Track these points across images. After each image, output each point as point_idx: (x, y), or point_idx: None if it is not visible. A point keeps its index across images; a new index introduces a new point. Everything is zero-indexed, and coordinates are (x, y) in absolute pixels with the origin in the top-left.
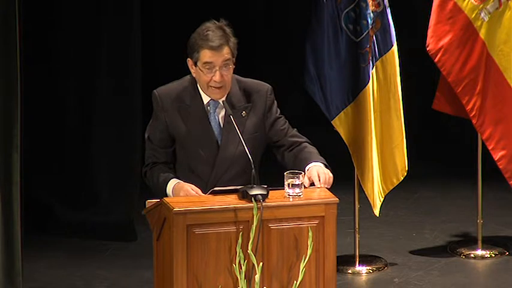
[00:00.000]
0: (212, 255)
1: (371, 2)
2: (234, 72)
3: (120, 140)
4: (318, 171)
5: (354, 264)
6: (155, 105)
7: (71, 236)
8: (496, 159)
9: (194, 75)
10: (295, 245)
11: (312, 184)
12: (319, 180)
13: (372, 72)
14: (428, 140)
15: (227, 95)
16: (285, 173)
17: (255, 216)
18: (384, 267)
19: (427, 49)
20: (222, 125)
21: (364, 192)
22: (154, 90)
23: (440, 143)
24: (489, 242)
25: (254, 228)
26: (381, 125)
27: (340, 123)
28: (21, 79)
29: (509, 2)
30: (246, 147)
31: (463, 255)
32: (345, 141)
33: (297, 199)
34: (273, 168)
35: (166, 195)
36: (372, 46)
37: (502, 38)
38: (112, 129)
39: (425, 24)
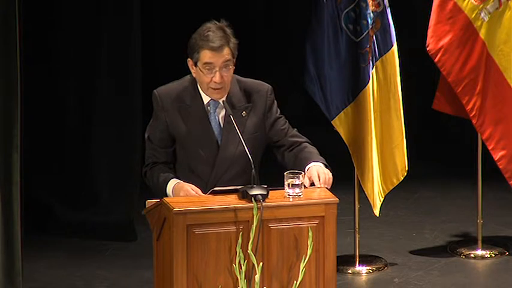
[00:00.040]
0: (212, 255)
1: (371, 2)
2: (234, 72)
3: (120, 140)
4: (318, 171)
5: (354, 264)
6: (155, 105)
7: (71, 236)
8: (496, 159)
9: (194, 75)
10: (295, 245)
11: (312, 184)
12: (319, 180)
13: (372, 72)
14: (428, 140)
15: (227, 95)
16: (285, 173)
17: (255, 216)
18: (384, 267)
19: (427, 49)
20: (222, 125)
21: (364, 192)
22: (155, 90)
23: (440, 143)
24: (489, 242)
25: (254, 228)
26: (381, 125)
27: (340, 123)
28: (21, 79)
29: (509, 2)
30: (246, 147)
31: (463, 255)
32: (345, 141)
33: (297, 199)
34: (273, 168)
35: (166, 195)
36: (372, 46)
37: (502, 38)
38: (112, 129)
39: (425, 24)
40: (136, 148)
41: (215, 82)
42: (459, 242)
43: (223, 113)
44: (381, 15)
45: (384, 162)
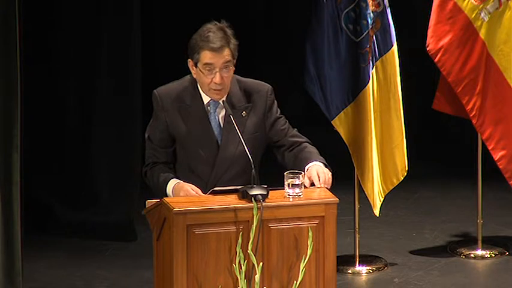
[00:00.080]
0: (212, 255)
1: (371, 2)
2: (234, 72)
3: (120, 140)
4: (318, 171)
5: (354, 264)
6: (155, 105)
7: (71, 236)
8: (496, 159)
9: (195, 76)
10: (295, 245)
11: (312, 184)
12: (319, 180)
13: (372, 72)
14: (428, 140)
15: (227, 95)
16: (285, 173)
17: (255, 216)
18: (384, 267)
19: (427, 49)
20: (222, 125)
21: (364, 192)
22: (155, 90)
23: (440, 143)
24: (489, 242)
25: (254, 228)
26: (381, 125)
27: (340, 123)
28: (21, 79)
29: (509, 2)
30: (246, 147)
31: (463, 255)
32: (345, 141)
33: (297, 199)
34: (273, 168)
35: (166, 195)
36: (372, 46)
37: (502, 38)
38: (112, 129)
39: (425, 24)
40: (136, 148)
41: (215, 83)
42: (459, 242)
43: (223, 113)
44: (380, 15)
45: (384, 162)
